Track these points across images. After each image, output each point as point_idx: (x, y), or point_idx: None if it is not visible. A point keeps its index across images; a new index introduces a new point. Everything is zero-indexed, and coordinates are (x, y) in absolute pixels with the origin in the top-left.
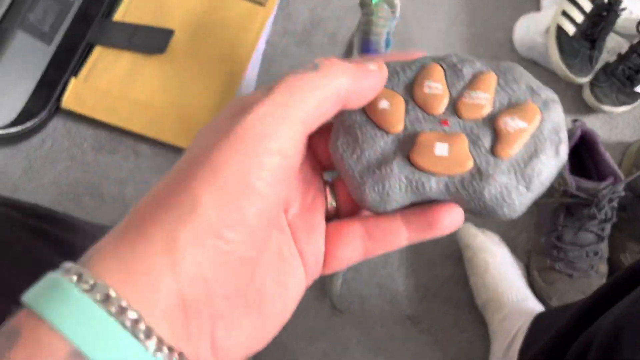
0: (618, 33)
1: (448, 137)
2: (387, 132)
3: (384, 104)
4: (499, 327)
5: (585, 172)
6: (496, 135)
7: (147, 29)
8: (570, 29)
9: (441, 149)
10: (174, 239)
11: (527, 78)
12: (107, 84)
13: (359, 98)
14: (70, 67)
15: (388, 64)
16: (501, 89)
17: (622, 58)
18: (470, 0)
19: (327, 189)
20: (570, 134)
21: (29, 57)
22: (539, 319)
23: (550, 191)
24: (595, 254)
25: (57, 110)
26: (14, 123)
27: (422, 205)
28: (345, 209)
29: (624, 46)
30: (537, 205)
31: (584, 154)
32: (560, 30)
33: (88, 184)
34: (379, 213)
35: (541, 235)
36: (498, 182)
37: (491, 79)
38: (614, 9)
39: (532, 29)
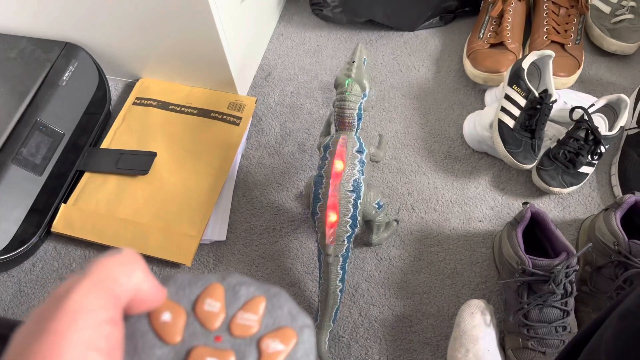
0: (556, 122)
1: (218, 353)
2: (166, 343)
3: (166, 316)
4: None
5: (542, 250)
6: (259, 355)
7: (132, 153)
8: (510, 122)
9: None
10: None
11: (289, 304)
12: (94, 205)
13: (144, 299)
14: (60, 193)
15: (177, 277)
16: (268, 312)
17: (561, 143)
18: (423, 103)
19: None
20: (521, 215)
21: (21, 188)
22: None
23: (511, 271)
24: (564, 328)
25: (48, 234)
26: (5, 250)
27: None
28: None
29: (562, 133)
30: (502, 285)
31: (538, 233)
32: (501, 124)
33: None
34: None
35: (509, 314)
36: None
37: (261, 302)
38: (545, 102)
39: (478, 125)
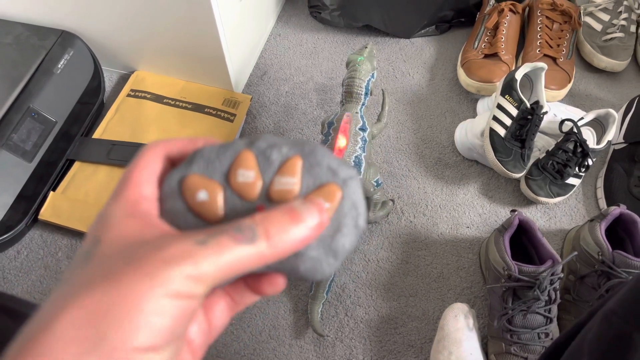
0: (546, 133)
1: None
2: (208, 222)
3: (202, 196)
4: None
5: (528, 257)
6: None
7: (124, 144)
8: (502, 131)
9: None
10: None
11: (327, 159)
12: (83, 194)
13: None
14: (49, 181)
15: (203, 151)
16: (306, 172)
17: (550, 154)
18: (416, 109)
19: None
20: (509, 222)
21: (10, 173)
22: None
23: (497, 276)
24: (547, 335)
25: (35, 221)
26: None
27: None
28: None
29: (551, 145)
30: (488, 290)
31: (524, 241)
32: (493, 133)
33: None
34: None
35: (494, 319)
36: (310, 258)
37: (297, 163)
38: (536, 113)
39: (469, 133)
